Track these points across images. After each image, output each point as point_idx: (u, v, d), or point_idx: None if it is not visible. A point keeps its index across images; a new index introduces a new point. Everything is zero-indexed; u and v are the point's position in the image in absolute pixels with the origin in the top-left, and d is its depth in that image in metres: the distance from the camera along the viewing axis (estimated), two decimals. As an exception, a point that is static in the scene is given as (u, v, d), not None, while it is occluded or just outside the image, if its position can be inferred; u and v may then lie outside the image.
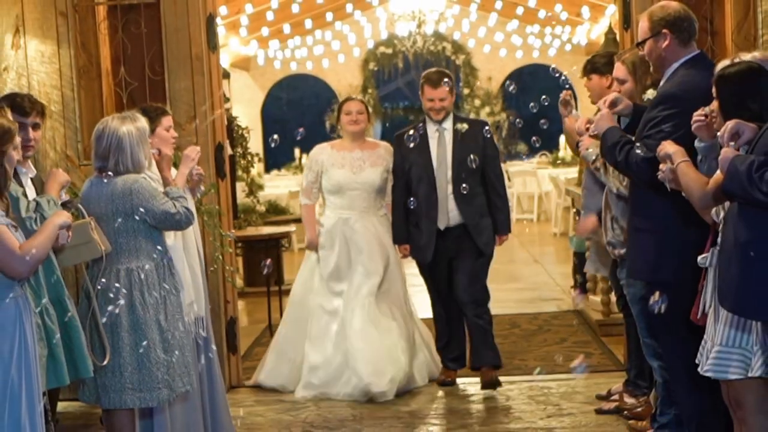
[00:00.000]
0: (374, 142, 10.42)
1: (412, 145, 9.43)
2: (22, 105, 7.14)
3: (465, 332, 10.05)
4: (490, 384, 9.63)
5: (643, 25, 6.82)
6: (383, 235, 10.01)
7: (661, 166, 6.11)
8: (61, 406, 8.98)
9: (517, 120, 9.26)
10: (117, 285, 6.97)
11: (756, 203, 5.27)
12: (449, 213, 9.74)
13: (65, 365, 6.54)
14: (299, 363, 9.93)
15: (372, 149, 10.09)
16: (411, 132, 9.45)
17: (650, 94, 6.76)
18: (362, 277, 9.85)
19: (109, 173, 7.01)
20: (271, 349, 10.28)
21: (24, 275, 5.79)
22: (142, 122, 7.28)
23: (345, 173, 9.91)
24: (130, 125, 7.18)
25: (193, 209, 8.07)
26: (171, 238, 7.44)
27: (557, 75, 7.10)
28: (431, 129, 9.86)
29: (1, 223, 5.64)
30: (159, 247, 7.14)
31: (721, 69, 5.95)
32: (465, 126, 9.77)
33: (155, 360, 6.98)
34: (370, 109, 10.65)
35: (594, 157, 7.56)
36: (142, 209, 6.94)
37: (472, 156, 9.07)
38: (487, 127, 9.76)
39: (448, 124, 9.85)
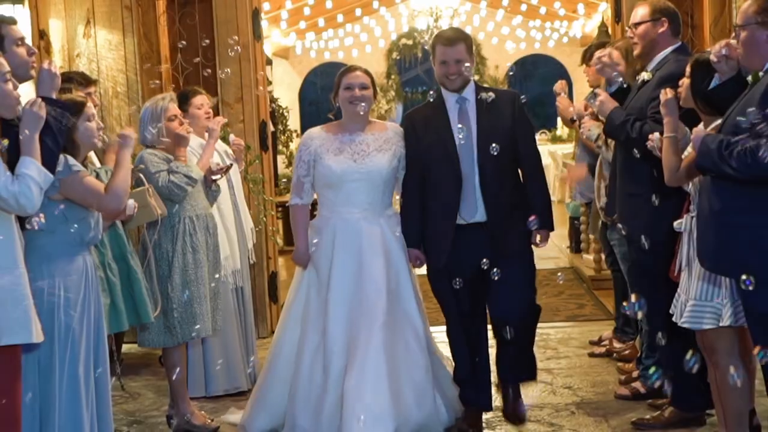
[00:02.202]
0: (381, 123, 7.18)
1: (426, 116, 6.91)
2: (74, 80, 7.10)
3: (490, 369, 7.18)
4: (516, 418, 7.16)
5: (642, 11, 6.83)
6: (392, 242, 6.90)
7: (650, 135, 6.09)
8: (125, 347, 9.01)
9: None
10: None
11: (726, 177, 5.21)
12: (476, 203, 6.76)
13: (125, 313, 6.56)
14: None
15: (379, 131, 6.99)
16: (424, 104, 7.05)
17: (646, 75, 6.72)
18: (366, 298, 6.73)
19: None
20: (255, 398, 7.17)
21: (118, 208, 5.82)
22: (163, 103, 7.21)
23: (343, 161, 6.81)
24: (153, 102, 7.27)
25: (238, 178, 8.10)
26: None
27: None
28: (450, 100, 6.82)
29: (82, 168, 5.65)
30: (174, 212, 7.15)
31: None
32: (491, 95, 6.71)
33: (164, 310, 7.02)
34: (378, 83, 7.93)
35: (596, 137, 7.54)
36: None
37: (500, 130, 6.66)
38: (520, 98, 6.88)
39: (469, 94, 6.81)
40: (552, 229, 7.06)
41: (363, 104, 6.84)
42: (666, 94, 6.00)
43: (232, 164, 7.64)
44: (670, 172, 5.91)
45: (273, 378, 7.02)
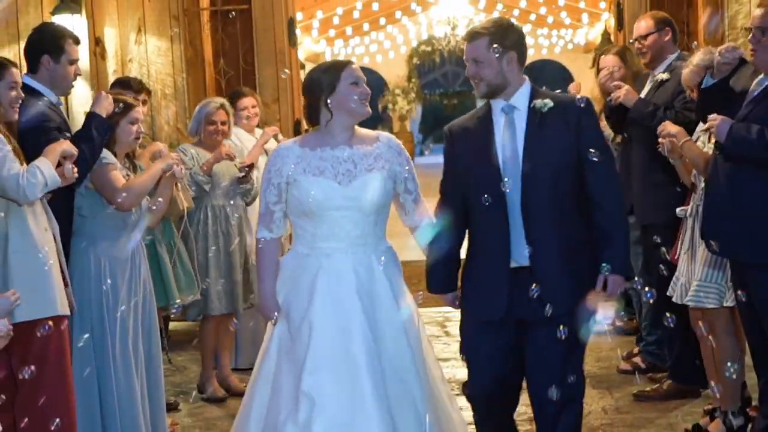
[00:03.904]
0: (370, 133, 4.94)
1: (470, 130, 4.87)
2: (131, 85, 7.10)
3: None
4: None
5: (646, 23, 6.91)
6: (389, 287, 4.78)
7: (661, 140, 5.96)
8: (171, 325, 9.03)
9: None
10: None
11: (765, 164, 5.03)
12: (521, 242, 4.73)
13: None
14: None
15: (367, 145, 4.85)
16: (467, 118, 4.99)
17: (664, 76, 6.83)
18: (355, 366, 4.58)
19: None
20: None
21: (124, 207, 5.65)
22: (209, 107, 7.31)
23: (326, 183, 4.73)
24: (205, 103, 7.40)
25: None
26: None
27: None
28: (496, 109, 4.82)
29: (112, 162, 5.67)
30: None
31: None
32: (548, 103, 4.74)
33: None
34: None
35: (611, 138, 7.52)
36: None
37: (556, 148, 4.67)
38: (589, 104, 4.80)
39: (521, 101, 4.77)
40: (623, 272, 4.77)
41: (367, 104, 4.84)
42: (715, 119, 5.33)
43: (253, 164, 7.56)
44: (704, 163, 5.60)
45: None
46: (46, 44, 5.71)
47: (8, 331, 4.07)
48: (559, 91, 5.01)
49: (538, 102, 4.73)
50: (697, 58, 5.94)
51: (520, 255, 4.72)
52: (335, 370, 4.59)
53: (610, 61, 7.44)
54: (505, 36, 4.76)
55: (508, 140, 4.74)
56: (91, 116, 5.59)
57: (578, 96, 4.82)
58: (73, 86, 5.89)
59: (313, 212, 4.74)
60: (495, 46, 4.71)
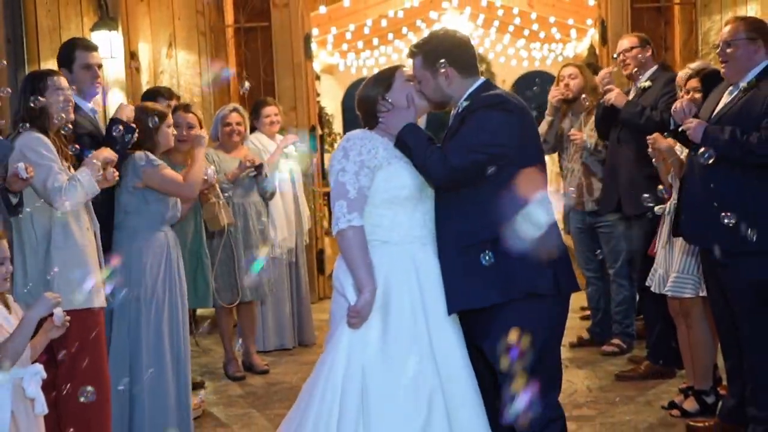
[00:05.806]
0: None
1: None
2: (162, 93, 7.08)
3: None
4: None
5: (630, 40, 7.11)
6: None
7: (650, 150, 5.92)
8: (198, 311, 9.04)
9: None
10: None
11: (739, 161, 4.94)
12: None
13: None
14: None
15: None
16: None
17: (647, 84, 6.97)
18: (447, 355, 4.06)
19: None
20: None
21: (193, 195, 5.95)
22: (223, 111, 7.45)
23: (415, 171, 4.14)
24: (221, 109, 7.56)
25: (299, 174, 8.10)
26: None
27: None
28: None
29: (161, 163, 5.69)
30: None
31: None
32: (463, 105, 4.23)
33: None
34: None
35: (593, 145, 7.50)
36: None
37: None
38: (472, 104, 4.14)
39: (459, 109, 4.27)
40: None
41: None
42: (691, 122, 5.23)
43: (262, 163, 7.53)
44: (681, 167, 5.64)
45: None
46: (62, 59, 5.75)
47: (64, 321, 4.07)
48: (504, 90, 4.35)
49: (461, 104, 4.21)
50: (696, 64, 6.19)
51: None
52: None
53: (569, 69, 7.72)
54: (436, 55, 4.24)
55: None
56: (112, 122, 5.57)
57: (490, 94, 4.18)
58: (97, 91, 5.81)
59: (405, 199, 4.13)
60: (427, 66, 4.25)
